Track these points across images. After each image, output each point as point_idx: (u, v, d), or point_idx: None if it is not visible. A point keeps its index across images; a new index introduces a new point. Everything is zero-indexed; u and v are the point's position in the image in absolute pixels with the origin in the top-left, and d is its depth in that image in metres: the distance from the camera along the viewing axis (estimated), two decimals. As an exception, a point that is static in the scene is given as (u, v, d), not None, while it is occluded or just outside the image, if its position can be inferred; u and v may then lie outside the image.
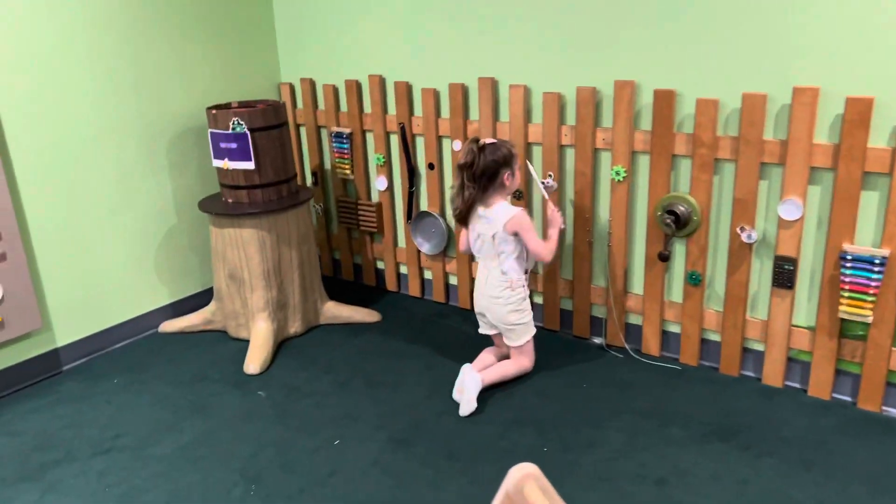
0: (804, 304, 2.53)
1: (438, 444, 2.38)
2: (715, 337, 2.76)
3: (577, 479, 2.18)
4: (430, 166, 3.28)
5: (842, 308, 2.38)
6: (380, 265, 3.69)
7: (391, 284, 3.66)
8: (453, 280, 3.44)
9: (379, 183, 3.49)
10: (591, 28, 2.68)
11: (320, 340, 3.16)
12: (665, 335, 2.87)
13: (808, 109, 2.30)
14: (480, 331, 2.81)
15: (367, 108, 3.42)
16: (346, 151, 3.53)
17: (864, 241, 2.35)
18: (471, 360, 2.74)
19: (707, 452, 2.27)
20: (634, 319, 2.94)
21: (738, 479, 2.14)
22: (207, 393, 2.77)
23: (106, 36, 2.97)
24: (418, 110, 3.25)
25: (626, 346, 2.95)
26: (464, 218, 2.62)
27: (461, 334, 3.13)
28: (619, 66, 2.66)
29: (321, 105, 3.60)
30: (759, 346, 2.67)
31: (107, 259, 3.13)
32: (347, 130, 3.49)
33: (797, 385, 2.62)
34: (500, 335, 2.75)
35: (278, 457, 2.35)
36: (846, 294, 2.36)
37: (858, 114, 2.22)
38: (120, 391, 2.81)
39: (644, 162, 2.72)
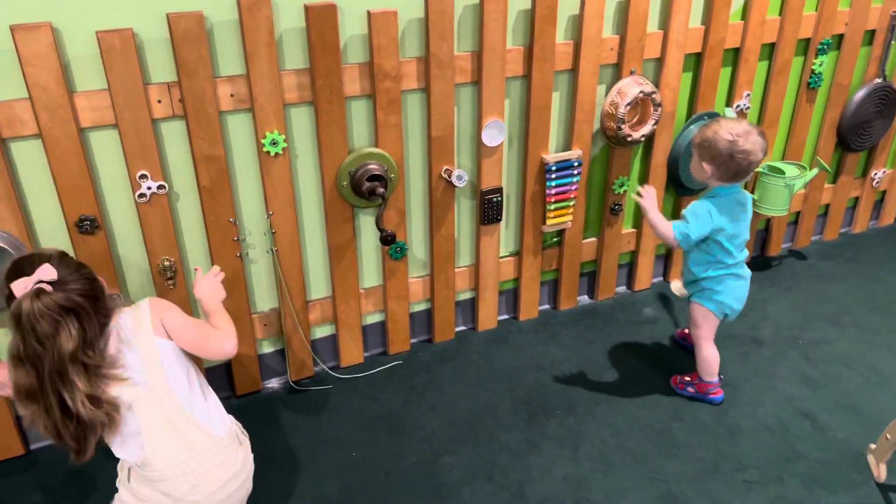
0: (504, 232, 2.26)
1: None
2: (422, 307, 2.24)
3: None
4: None
5: (550, 221, 2.22)
6: None
7: None
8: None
9: None
10: None
11: None
12: (363, 332, 2.18)
13: (500, 8, 1.88)
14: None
15: None
16: None
17: (555, 148, 2.19)
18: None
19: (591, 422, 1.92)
20: (322, 332, 2.12)
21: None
22: None
23: None
24: None
25: (326, 367, 2.13)
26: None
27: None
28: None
29: None
30: (468, 295, 2.30)
31: None
32: None
33: (506, 316, 2.41)
34: None
35: None
36: (553, 206, 2.20)
37: (548, 8, 1.94)
38: None
39: (303, 117, 1.81)
